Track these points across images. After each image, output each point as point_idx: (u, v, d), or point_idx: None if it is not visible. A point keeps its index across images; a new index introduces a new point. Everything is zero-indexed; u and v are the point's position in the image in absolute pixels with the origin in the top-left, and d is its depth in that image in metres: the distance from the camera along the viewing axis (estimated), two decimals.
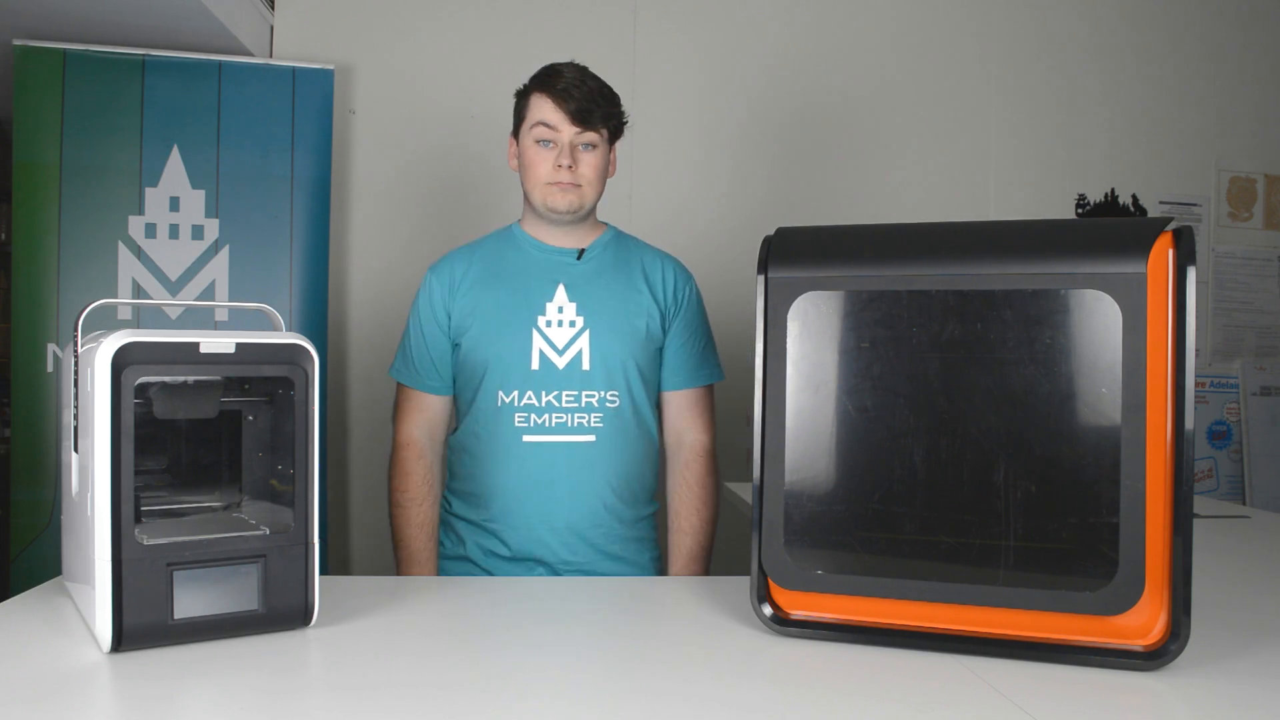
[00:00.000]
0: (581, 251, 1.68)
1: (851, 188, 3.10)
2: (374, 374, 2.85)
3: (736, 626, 1.14)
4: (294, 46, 2.88)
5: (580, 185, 1.61)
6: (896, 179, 3.12)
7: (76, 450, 1.08)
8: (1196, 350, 0.98)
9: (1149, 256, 0.96)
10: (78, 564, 1.09)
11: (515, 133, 1.68)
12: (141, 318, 2.54)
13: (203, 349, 1.03)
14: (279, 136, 2.63)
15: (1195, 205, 3.30)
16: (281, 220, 2.63)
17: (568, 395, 1.61)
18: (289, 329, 1.40)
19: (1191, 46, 3.29)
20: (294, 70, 2.66)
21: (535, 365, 1.60)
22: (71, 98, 2.51)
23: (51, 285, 2.49)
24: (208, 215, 2.59)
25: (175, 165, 2.56)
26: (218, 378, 1.10)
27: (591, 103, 1.59)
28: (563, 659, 1.03)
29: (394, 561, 1.69)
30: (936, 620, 1.04)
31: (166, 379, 1.07)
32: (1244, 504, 3.26)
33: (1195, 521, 1.30)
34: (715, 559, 1.74)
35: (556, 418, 1.61)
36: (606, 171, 1.66)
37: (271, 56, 2.84)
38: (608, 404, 1.62)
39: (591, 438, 1.61)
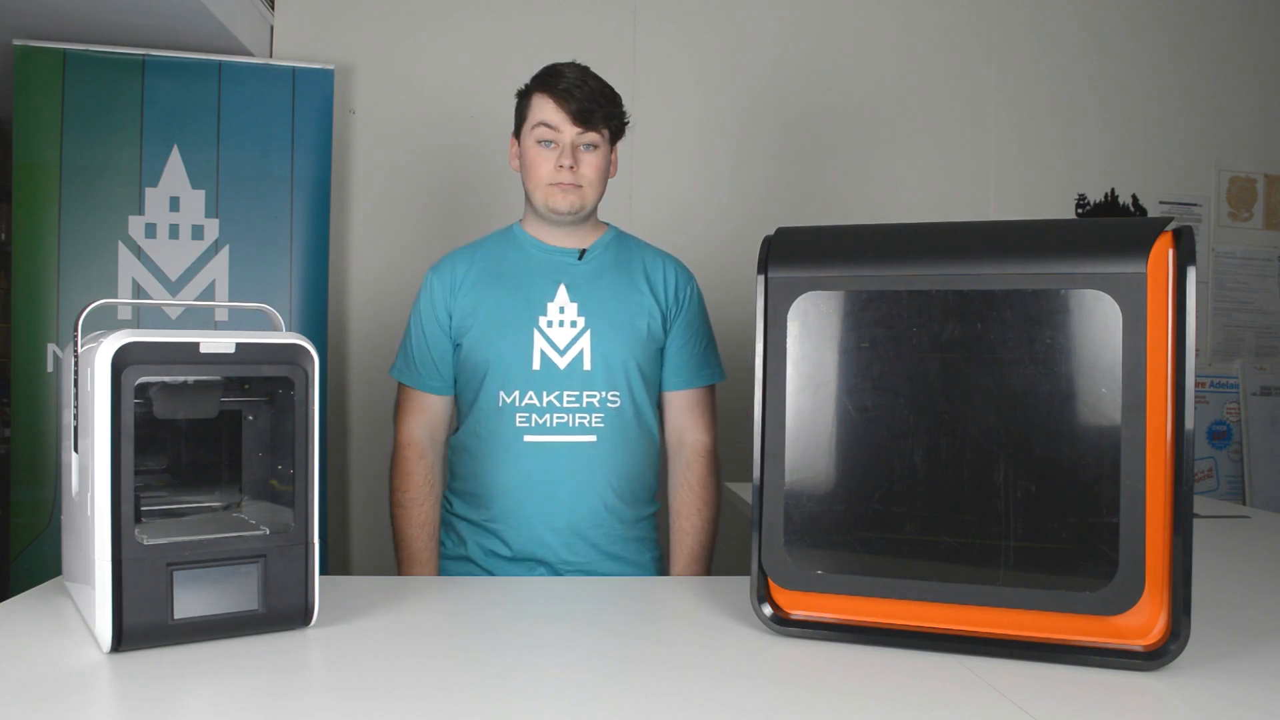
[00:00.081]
0: (583, 252, 1.68)
1: (851, 188, 3.10)
2: (374, 374, 2.85)
3: (737, 626, 1.14)
4: (294, 46, 2.88)
5: (581, 186, 1.61)
6: (896, 179, 3.12)
7: (76, 450, 1.08)
8: (1196, 350, 0.98)
9: (1149, 256, 0.96)
10: (78, 564, 1.09)
11: (516, 133, 1.68)
12: (141, 318, 2.54)
13: (203, 349, 1.03)
14: (279, 136, 2.63)
15: (1195, 205, 3.30)
16: (281, 220, 2.63)
17: (569, 395, 1.61)
18: (289, 329, 1.40)
19: (1191, 46, 3.29)
20: (294, 70, 2.66)
21: (536, 365, 1.60)
22: (71, 98, 2.51)
23: (51, 285, 2.49)
24: (208, 215, 2.59)
25: (175, 165, 2.56)
26: (218, 378, 1.10)
27: (593, 103, 1.59)
28: (563, 659, 1.03)
29: (395, 561, 1.69)
30: (937, 620, 1.04)
31: (166, 379, 1.07)
32: (1244, 504, 3.26)
33: (1195, 521, 1.30)
34: (716, 559, 1.74)
35: (557, 418, 1.61)
36: (608, 172, 1.66)
37: (271, 56, 2.84)
38: (609, 404, 1.62)
39: (592, 438, 1.61)
